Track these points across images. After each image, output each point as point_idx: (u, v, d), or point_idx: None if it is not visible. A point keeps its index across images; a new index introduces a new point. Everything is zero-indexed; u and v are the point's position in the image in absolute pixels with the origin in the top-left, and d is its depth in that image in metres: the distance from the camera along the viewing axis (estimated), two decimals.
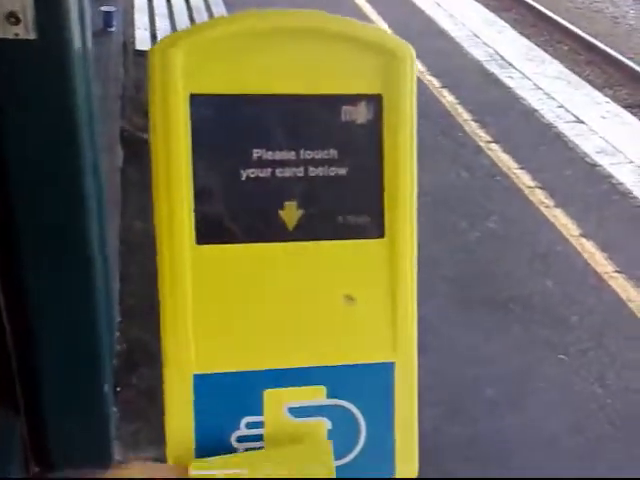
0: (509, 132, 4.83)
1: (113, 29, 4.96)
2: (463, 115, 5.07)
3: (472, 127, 4.90)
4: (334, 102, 0.69)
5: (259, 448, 0.67)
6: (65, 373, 1.93)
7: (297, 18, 0.67)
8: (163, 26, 5.85)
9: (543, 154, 4.60)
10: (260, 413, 0.69)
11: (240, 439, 0.69)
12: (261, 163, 0.69)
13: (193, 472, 0.64)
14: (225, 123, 0.68)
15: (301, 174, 0.70)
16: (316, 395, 0.70)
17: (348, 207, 0.70)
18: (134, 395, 2.53)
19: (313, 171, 0.70)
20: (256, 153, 0.69)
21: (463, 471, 2.28)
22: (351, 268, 0.71)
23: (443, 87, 5.51)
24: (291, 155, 0.70)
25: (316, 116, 0.69)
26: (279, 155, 0.69)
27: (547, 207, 3.98)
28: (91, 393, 1.98)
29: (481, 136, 4.77)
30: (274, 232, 0.69)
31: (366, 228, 0.71)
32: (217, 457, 0.65)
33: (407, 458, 0.71)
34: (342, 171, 0.70)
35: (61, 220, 1.72)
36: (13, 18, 1.45)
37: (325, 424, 0.70)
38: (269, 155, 0.69)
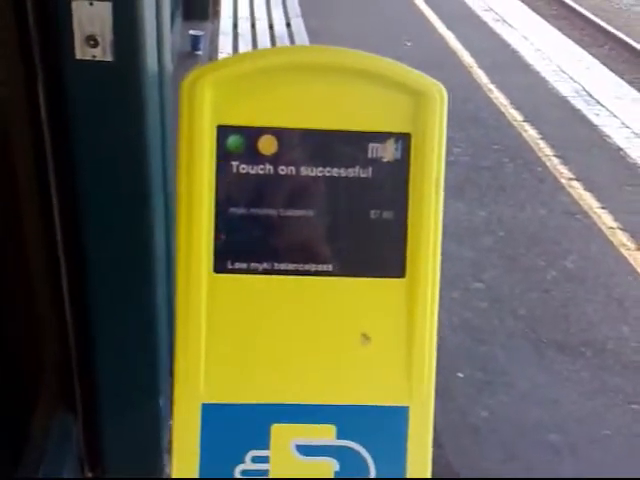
0: (592, 170, 4.69)
1: (200, 52, 5.12)
2: (545, 150, 4.95)
3: (554, 163, 4.78)
4: (361, 139, 0.69)
5: None
6: (123, 383, 1.98)
7: (326, 55, 0.67)
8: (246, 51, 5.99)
9: (627, 194, 4.44)
10: (266, 447, 0.68)
11: (245, 473, 0.68)
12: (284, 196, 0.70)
13: None
14: (250, 155, 0.69)
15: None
16: (325, 434, 0.68)
17: (369, 245, 0.70)
18: None
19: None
20: (279, 186, 0.70)
21: None
22: (369, 306, 0.70)
23: (525, 121, 5.41)
24: (314, 189, 0.70)
25: (343, 152, 0.69)
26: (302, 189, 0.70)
27: (628, 249, 3.83)
28: (147, 405, 2.02)
29: (562, 173, 4.65)
30: (292, 266, 0.69)
31: (386, 266, 0.71)
32: None
33: None
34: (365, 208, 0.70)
35: (126, 235, 1.78)
36: (92, 41, 1.52)
37: (332, 465, 0.68)
38: (292, 189, 0.70)
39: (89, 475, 2.10)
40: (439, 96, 0.69)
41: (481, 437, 2.54)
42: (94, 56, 1.52)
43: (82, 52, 1.52)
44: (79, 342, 1.92)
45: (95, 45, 1.52)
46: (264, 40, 6.35)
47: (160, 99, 1.80)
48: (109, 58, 1.54)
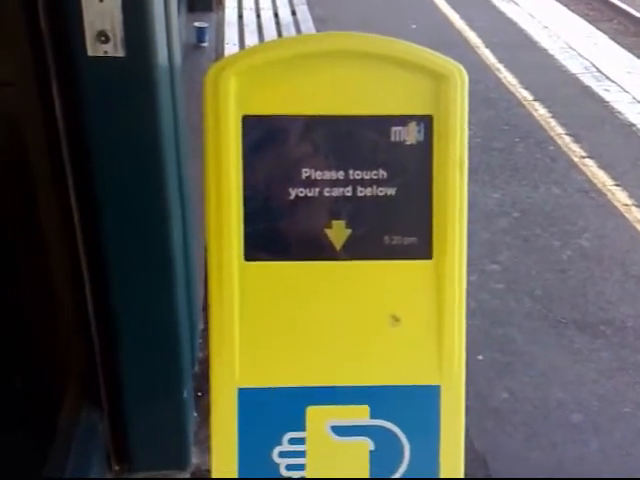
0: (605, 147, 4.66)
1: (205, 44, 5.11)
2: (556, 129, 4.92)
3: (565, 141, 4.75)
4: (384, 123, 0.70)
5: (301, 465, 0.68)
6: (146, 377, 2.00)
7: (347, 40, 0.68)
8: (252, 42, 5.97)
9: None
10: (302, 429, 0.70)
11: (282, 454, 0.70)
12: (310, 182, 0.70)
13: None
14: (275, 143, 0.70)
15: (349, 194, 0.70)
16: (359, 414, 0.70)
17: (396, 228, 0.70)
18: None
19: (362, 191, 0.70)
20: (305, 173, 0.70)
21: None
22: (397, 289, 0.70)
23: (535, 100, 5.38)
24: (340, 175, 0.70)
25: (365, 136, 0.69)
26: (328, 175, 0.70)
27: None
28: (171, 398, 2.04)
29: (575, 151, 4.62)
30: (321, 251, 0.70)
31: (413, 249, 0.71)
32: None
33: None
34: (391, 191, 0.70)
35: (143, 230, 1.79)
36: (103, 37, 1.53)
37: (368, 444, 0.70)
38: (318, 175, 0.70)
39: (116, 468, 2.13)
40: (460, 77, 0.70)
41: (503, 418, 2.54)
42: (106, 52, 1.53)
43: (94, 49, 1.52)
44: (102, 340, 1.94)
45: (106, 41, 1.53)
46: (270, 29, 6.33)
47: (172, 92, 1.81)
48: (121, 54, 1.55)
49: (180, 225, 1.94)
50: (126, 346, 1.94)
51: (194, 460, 2.17)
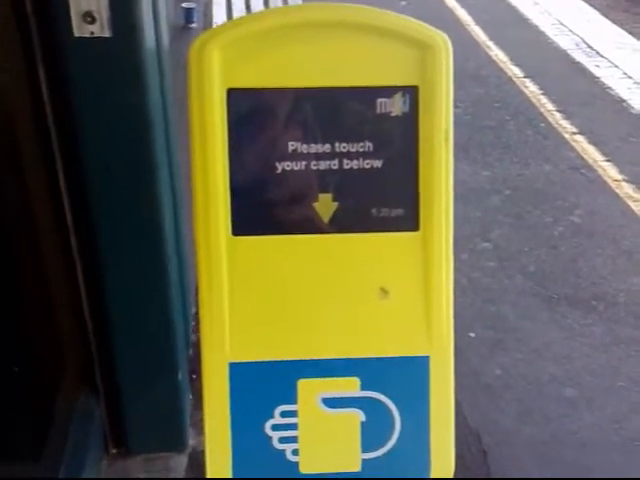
0: (595, 123, 4.66)
1: (194, 25, 5.07)
2: (547, 106, 4.92)
3: (556, 118, 4.75)
4: (369, 94, 0.69)
5: (293, 437, 0.68)
6: (141, 361, 2.01)
7: (331, 11, 0.67)
8: None
9: (632, 146, 4.41)
10: (294, 402, 0.70)
11: (274, 427, 0.70)
12: (296, 156, 0.70)
13: None
14: (261, 116, 0.70)
15: (336, 167, 0.70)
16: (350, 387, 0.70)
17: (382, 200, 0.70)
18: None
19: (348, 164, 0.70)
20: (291, 146, 0.70)
21: (533, 472, 2.23)
22: (385, 261, 0.71)
23: (526, 77, 5.37)
24: (326, 148, 0.70)
25: (351, 108, 0.69)
26: (314, 148, 0.70)
27: (635, 201, 3.82)
28: (166, 380, 2.05)
29: (565, 127, 4.62)
30: (309, 224, 0.70)
31: (400, 221, 0.71)
32: None
33: (443, 455, 0.71)
34: (377, 164, 0.70)
35: (134, 213, 1.79)
36: (89, 17, 1.52)
37: (358, 416, 0.70)
38: (304, 148, 0.70)
39: (114, 452, 2.14)
40: (444, 47, 0.69)
41: (496, 394, 2.56)
42: (92, 33, 1.52)
43: (80, 29, 1.51)
44: (96, 324, 1.94)
45: (93, 22, 1.51)
46: (258, 7, 6.28)
47: (159, 73, 1.80)
48: (107, 34, 1.54)
49: (171, 209, 1.94)
50: (120, 330, 1.94)
51: (190, 442, 2.18)
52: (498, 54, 5.83)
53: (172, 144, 1.94)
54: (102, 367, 2.01)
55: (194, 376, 2.54)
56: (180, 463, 2.14)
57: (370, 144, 0.69)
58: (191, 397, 2.27)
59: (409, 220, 0.70)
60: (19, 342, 1.91)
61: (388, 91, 0.68)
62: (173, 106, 1.99)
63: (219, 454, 0.71)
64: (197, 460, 2.15)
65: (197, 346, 2.77)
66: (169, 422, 2.13)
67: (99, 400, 2.05)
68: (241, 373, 0.69)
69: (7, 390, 1.84)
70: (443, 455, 0.72)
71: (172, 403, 2.09)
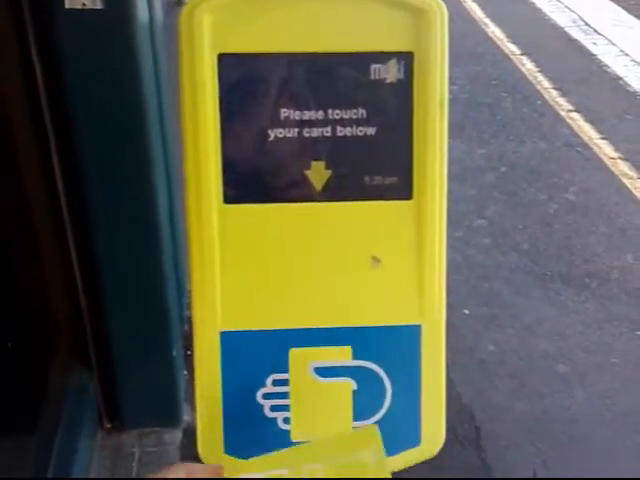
0: (592, 101, 4.64)
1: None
2: (543, 83, 4.90)
3: (552, 95, 4.73)
4: (363, 60, 0.68)
5: (285, 406, 0.68)
6: (135, 336, 2.01)
7: None
8: None
9: (628, 124, 4.40)
10: (286, 371, 0.70)
11: (266, 396, 0.70)
12: (289, 123, 0.69)
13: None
14: (253, 82, 0.68)
15: (329, 134, 0.69)
16: (341, 355, 0.70)
17: (376, 168, 0.69)
18: None
19: (341, 131, 0.69)
20: (284, 113, 0.69)
21: (525, 447, 2.25)
22: (378, 230, 0.70)
23: (523, 54, 5.34)
24: (319, 115, 0.69)
25: (345, 75, 0.68)
26: (307, 115, 0.69)
27: (630, 179, 3.82)
28: (161, 356, 2.05)
29: (562, 105, 4.61)
30: (301, 192, 0.69)
31: (394, 189, 0.71)
32: (253, 459, 0.63)
33: (433, 425, 0.70)
34: (370, 131, 0.69)
35: (128, 190, 1.77)
36: None
37: (350, 385, 0.70)
38: (297, 115, 0.69)
39: (108, 426, 2.15)
40: (440, 12, 0.68)
41: (489, 370, 2.57)
42: (84, 4, 1.50)
43: (71, 1, 1.49)
44: (89, 298, 1.94)
45: None
46: None
47: (152, 45, 1.78)
48: (99, 6, 1.52)
49: (165, 185, 1.92)
50: (114, 306, 1.94)
51: (185, 417, 2.19)
52: (495, 31, 5.79)
53: (165, 116, 1.92)
54: (96, 342, 2.01)
55: (189, 352, 2.54)
56: (175, 438, 2.15)
57: (364, 111, 0.68)
58: (186, 373, 2.28)
59: (403, 188, 0.69)
60: (13, 317, 1.90)
61: (383, 57, 0.67)
62: (167, 78, 1.97)
63: (210, 422, 0.71)
64: (191, 435, 2.15)
65: (191, 322, 2.76)
66: (164, 397, 2.13)
67: (93, 375, 2.05)
68: (232, 342, 0.69)
69: (1, 365, 1.84)
70: (434, 425, 0.72)
71: (167, 378, 2.09)
